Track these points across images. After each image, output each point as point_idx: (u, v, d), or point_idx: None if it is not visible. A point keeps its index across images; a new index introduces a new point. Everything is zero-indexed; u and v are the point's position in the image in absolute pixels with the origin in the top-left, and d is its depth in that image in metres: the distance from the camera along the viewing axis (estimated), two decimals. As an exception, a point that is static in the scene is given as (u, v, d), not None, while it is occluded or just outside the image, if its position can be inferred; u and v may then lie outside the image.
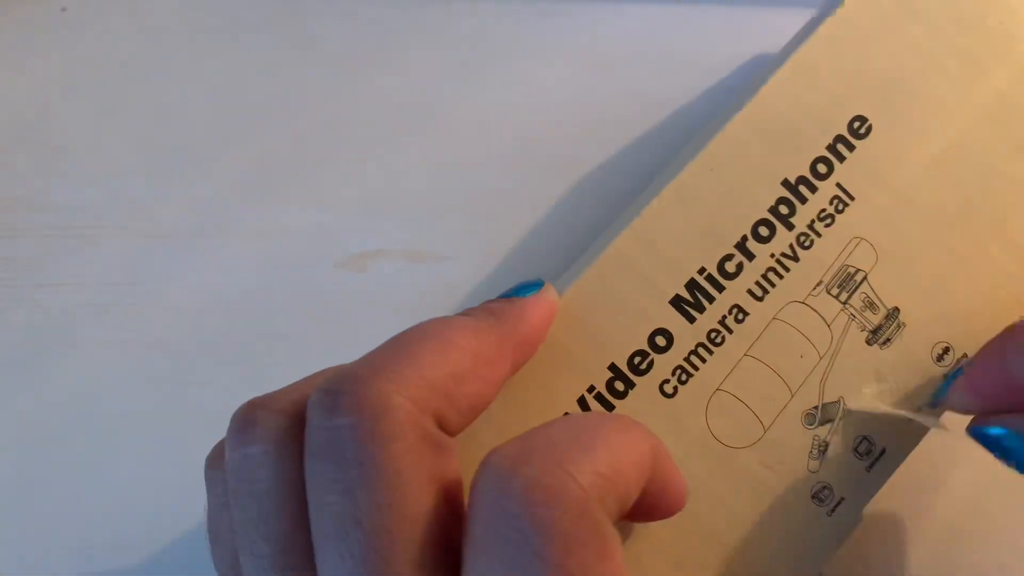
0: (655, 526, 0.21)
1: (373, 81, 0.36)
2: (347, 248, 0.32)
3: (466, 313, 0.20)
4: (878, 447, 0.22)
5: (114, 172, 0.34)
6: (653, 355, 0.22)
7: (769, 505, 0.21)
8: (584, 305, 0.22)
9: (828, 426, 0.22)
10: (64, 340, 0.31)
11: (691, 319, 0.22)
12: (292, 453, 0.18)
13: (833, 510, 0.21)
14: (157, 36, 0.38)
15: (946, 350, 0.22)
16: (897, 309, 0.22)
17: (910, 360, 0.22)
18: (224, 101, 0.36)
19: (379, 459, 0.16)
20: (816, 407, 0.22)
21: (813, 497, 0.21)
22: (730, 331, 0.22)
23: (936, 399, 0.22)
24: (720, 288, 0.22)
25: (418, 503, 0.16)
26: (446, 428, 0.18)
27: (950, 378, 0.22)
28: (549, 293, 0.21)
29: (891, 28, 0.23)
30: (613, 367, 0.22)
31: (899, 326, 0.22)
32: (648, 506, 0.18)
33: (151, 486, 0.28)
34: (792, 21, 0.37)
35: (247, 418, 0.18)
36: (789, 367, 0.22)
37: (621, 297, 0.22)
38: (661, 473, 0.18)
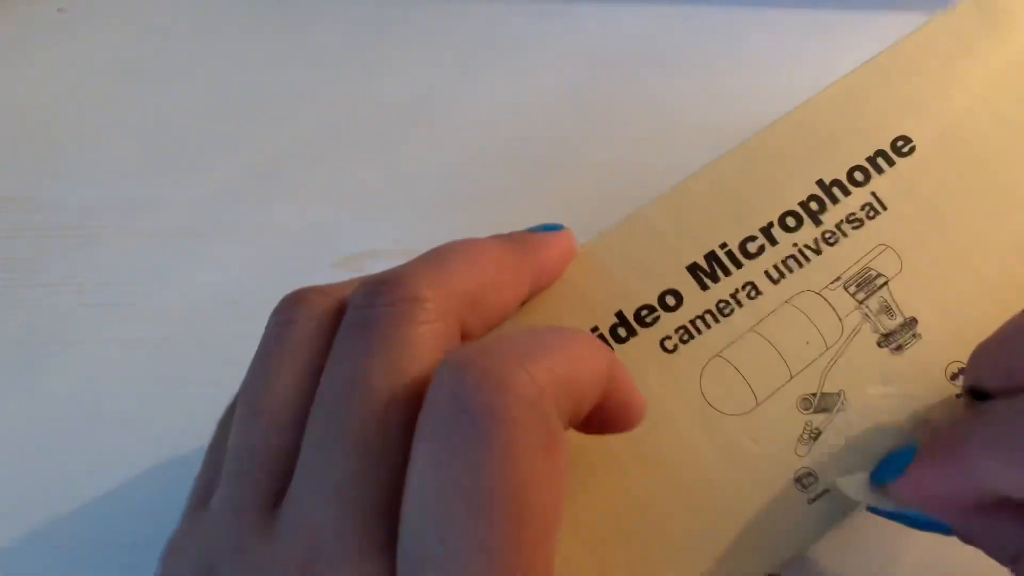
0: (629, 466, 0.21)
1: (371, 81, 0.36)
2: (344, 248, 0.32)
3: (492, 237, 0.22)
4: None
5: (113, 172, 0.34)
6: (660, 311, 0.22)
7: (747, 476, 0.21)
8: (604, 256, 0.23)
9: (824, 415, 0.21)
10: (64, 340, 0.31)
11: (704, 287, 0.23)
12: (326, 331, 0.19)
13: (815, 499, 0.21)
14: (155, 37, 0.38)
15: (962, 371, 0.22)
16: (915, 320, 0.22)
17: (921, 371, 0.22)
18: (222, 101, 0.36)
19: (404, 332, 0.18)
20: (814, 394, 0.22)
21: (796, 481, 0.21)
22: (740, 305, 0.22)
23: (878, 477, 0.20)
24: (738, 264, 0.23)
25: (425, 381, 0.17)
26: (466, 333, 0.20)
27: (899, 455, 0.20)
28: (568, 234, 0.23)
29: (949, 66, 0.24)
30: (620, 314, 0.22)
31: (915, 336, 0.22)
32: (604, 419, 0.19)
33: (150, 485, 0.29)
34: (781, 20, 0.37)
35: (297, 295, 0.20)
36: (793, 351, 0.22)
37: (641, 256, 0.23)
38: (619, 389, 0.18)
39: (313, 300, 0.20)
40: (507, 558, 0.15)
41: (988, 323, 0.21)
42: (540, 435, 0.15)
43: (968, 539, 0.19)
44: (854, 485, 0.21)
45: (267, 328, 0.20)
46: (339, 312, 0.20)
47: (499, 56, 0.36)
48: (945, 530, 0.19)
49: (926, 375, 0.22)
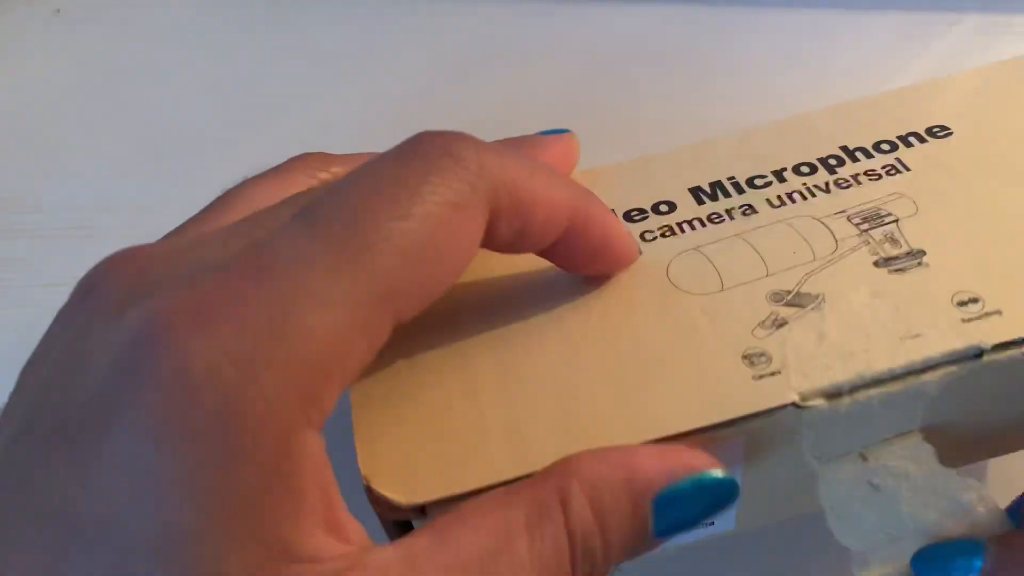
0: (565, 311, 0.20)
1: (371, 81, 0.36)
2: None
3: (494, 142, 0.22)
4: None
5: (112, 172, 0.34)
6: (650, 214, 0.22)
7: (690, 344, 0.19)
8: (617, 171, 0.24)
9: (795, 309, 0.19)
10: (63, 340, 0.31)
11: (701, 203, 0.22)
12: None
13: (761, 377, 0.18)
14: (152, 37, 0.38)
15: (974, 300, 0.19)
16: (923, 251, 0.20)
17: (921, 293, 0.19)
18: (221, 101, 0.36)
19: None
20: (789, 291, 0.20)
21: (744, 357, 0.19)
22: (732, 218, 0.22)
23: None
24: (741, 191, 0.23)
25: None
26: None
27: (954, 563, 0.18)
28: (570, 136, 0.23)
29: (1011, 99, 0.24)
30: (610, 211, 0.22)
31: (920, 264, 0.20)
32: (581, 255, 0.19)
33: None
34: (779, 20, 0.37)
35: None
36: (775, 255, 0.20)
37: (647, 175, 0.23)
38: (594, 226, 0.19)
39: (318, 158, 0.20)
40: (365, 248, 0.15)
41: (1012, 263, 0.20)
42: (459, 195, 0.16)
43: None
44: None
45: None
46: None
47: (499, 56, 0.36)
48: None
49: (926, 296, 0.19)
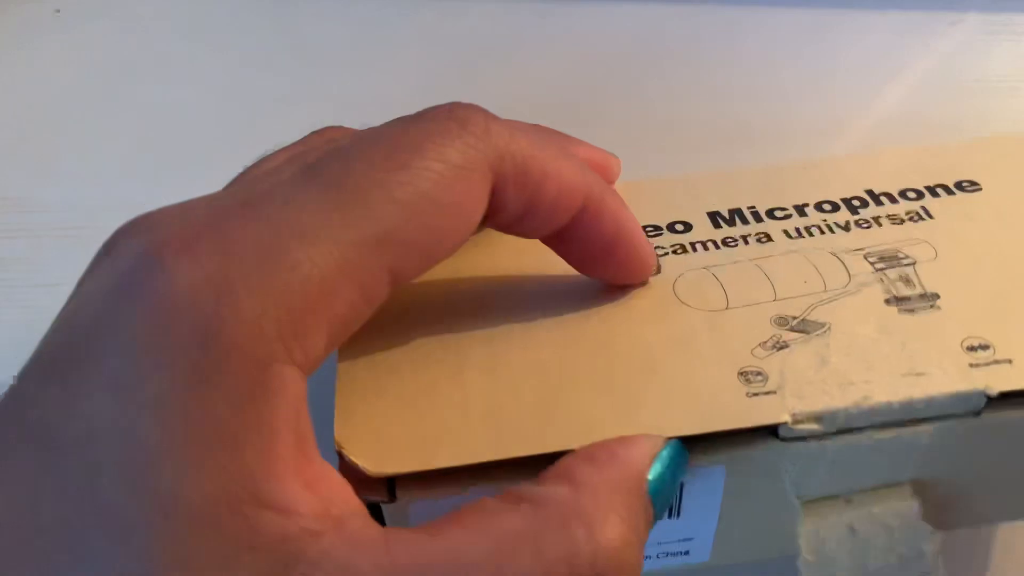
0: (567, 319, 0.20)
1: (371, 81, 0.36)
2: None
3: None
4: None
5: (111, 172, 0.34)
6: (665, 232, 0.22)
7: (687, 355, 0.19)
8: (636, 188, 0.24)
9: (799, 335, 0.19)
10: (61, 340, 0.30)
11: (717, 226, 0.23)
12: None
13: (756, 395, 0.18)
14: (152, 36, 0.38)
15: (984, 346, 0.19)
16: (937, 295, 0.20)
17: (930, 335, 0.19)
18: (220, 101, 0.36)
19: None
20: (795, 317, 0.20)
21: (740, 373, 0.18)
22: (746, 244, 0.22)
23: None
24: (759, 220, 0.23)
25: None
26: None
27: None
28: (612, 156, 0.23)
29: None
30: None
31: (932, 307, 0.20)
32: (597, 246, 0.19)
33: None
34: (779, 19, 0.37)
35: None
36: (786, 283, 0.20)
37: (667, 195, 0.24)
38: (606, 216, 0.19)
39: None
40: (363, 195, 0.15)
41: None
42: (462, 155, 0.16)
43: None
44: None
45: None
46: None
47: (498, 56, 0.36)
48: None
49: (935, 338, 0.19)
